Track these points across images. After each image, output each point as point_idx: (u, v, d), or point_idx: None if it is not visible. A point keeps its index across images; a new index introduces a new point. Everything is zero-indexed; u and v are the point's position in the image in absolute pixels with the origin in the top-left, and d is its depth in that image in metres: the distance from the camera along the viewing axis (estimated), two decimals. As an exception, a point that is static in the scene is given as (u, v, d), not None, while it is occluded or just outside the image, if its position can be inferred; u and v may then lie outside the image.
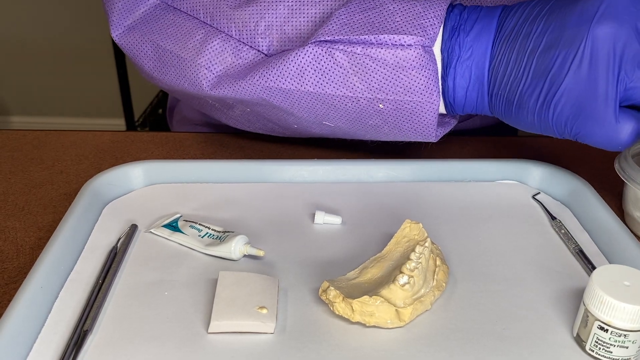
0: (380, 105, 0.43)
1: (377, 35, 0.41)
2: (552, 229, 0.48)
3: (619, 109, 0.38)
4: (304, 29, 0.44)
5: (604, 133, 0.38)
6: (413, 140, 0.47)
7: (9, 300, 0.38)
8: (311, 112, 0.46)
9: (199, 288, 0.41)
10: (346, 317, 0.38)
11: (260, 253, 0.43)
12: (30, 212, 0.51)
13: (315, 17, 0.44)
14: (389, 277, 0.39)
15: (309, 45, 0.43)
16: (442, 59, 0.42)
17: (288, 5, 0.44)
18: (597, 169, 0.59)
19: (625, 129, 0.38)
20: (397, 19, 0.41)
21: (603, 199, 0.49)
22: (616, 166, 0.48)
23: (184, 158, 0.55)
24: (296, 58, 0.43)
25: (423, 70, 0.41)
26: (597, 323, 0.35)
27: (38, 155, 0.59)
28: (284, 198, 0.51)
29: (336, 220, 0.48)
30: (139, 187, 0.52)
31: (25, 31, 2.10)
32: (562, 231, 0.47)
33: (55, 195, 0.53)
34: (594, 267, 0.43)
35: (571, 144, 0.65)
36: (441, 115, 0.46)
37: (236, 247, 0.43)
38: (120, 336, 0.37)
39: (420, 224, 0.43)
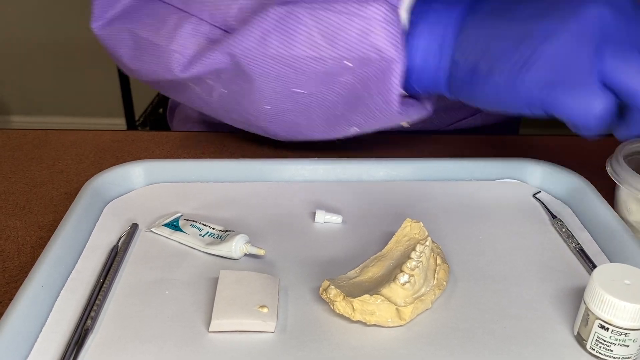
0: (348, 63, 0.42)
1: None
2: (552, 228, 0.48)
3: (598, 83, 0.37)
4: None
5: (581, 103, 0.37)
6: (381, 118, 0.46)
7: (10, 300, 0.38)
8: (279, 79, 0.45)
9: (199, 287, 0.41)
10: (347, 316, 0.38)
11: (261, 252, 0.43)
12: (31, 212, 0.51)
13: None
14: (390, 276, 0.40)
15: (272, 7, 0.42)
16: (409, 20, 0.41)
17: None
18: (598, 167, 0.59)
19: (602, 102, 0.37)
20: None
21: (603, 197, 0.49)
22: (608, 169, 0.48)
23: (184, 157, 0.55)
24: (260, 22, 0.43)
25: (388, 26, 0.40)
26: (597, 322, 0.35)
27: (39, 154, 0.59)
28: (284, 197, 0.51)
29: (337, 219, 0.48)
30: (140, 187, 0.52)
31: (25, 31, 2.10)
32: (563, 230, 0.47)
33: (56, 195, 0.53)
34: (594, 266, 0.43)
35: (571, 142, 0.65)
36: (409, 96, 0.45)
37: (237, 246, 0.43)
38: (121, 335, 0.37)
39: (421, 223, 0.43)
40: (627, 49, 0.37)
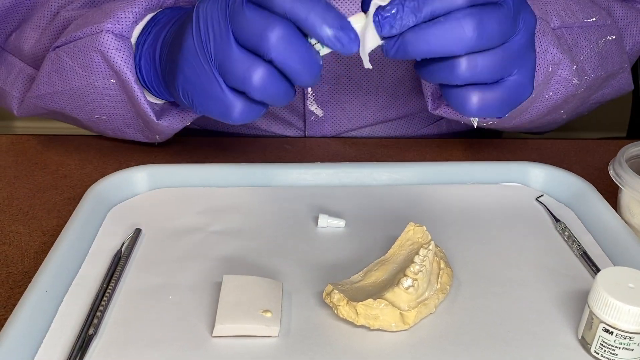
0: (112, 80, 0.51)
1: (89, 27, 0.50)
2: (556, 231, 0.48)
3: (228, 89, 0.40)
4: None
5: (218, 108, 0.41)
6: (155, 128, 0.54)
7: (14, 305, 0.38)
8: (78, 109, 0.56)
9: (203, 292, 0.41)
10: (350, 320, 0.38)
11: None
12: (34, 217, 0.51)
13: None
14: (393, 280, 0.40)
15: (49, 53, 0.53)
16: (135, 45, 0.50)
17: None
18: (600, 170, 0.59)
19: (236, 105, 0.40)
20: (100, 14, 0.51)
21: (606, 200, 0.49)
22: (611, 172, 0.48)
23: (187, 162, 0.55)
24: (44, 66, 0.53)
25: (118, 52, 0.49)
26: (602, 325, 0.35)
27: (42, 159, 0.60)
28: (287, 201, 0.51)
29: (340, 223, 0.48)
30: (143, 192, 0.52)
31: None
32: (566, 233, 0.47)
33: (60, 200, 0.53)
34: (598, 269, 0.43)
35: (574, 145, 0.65)
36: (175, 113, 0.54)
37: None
38: (125, 340, 0.37)
39: (424, 227, 0.43)
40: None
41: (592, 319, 0.36)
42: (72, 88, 0.53)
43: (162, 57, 0.47)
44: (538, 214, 0.51)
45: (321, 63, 0.39)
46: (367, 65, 0.39)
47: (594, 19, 0.57)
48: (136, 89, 0.50)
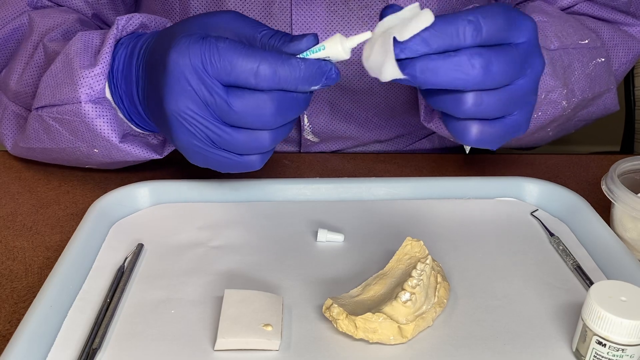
0: (96, 150, 0.52)
1: (65, 95, 0.50)
2: (550, 245, 0.49)
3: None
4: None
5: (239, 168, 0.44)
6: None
7: (19, 320, 0.39)
8: (69, 161, 0.57)
9: (204, 306, 0.42)
10: (350, 333, 0.38)
11: (367, 35, 0.40)
12: (38, 232, 0.52)
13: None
14: (391, 294, 0.40)
15: (32, 112, 0.53)
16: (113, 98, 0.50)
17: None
18: (594, 185, 0.60)
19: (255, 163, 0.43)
20: (71, 79, 0.49)
21: (600, 214, 0.50)
22: (603, 187, 0.49)
23: (188, 178, 0.56)
24: (31, 123, 0.54)
25: (101, 119, 0.49)
26: (595, 338, 0.36)
27: (45, 175, 0.60)
28: (287, 216, 0.52)
29: (338, 238, 0.49)
30: (145, 207, 0.53)
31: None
32: (560, 247, 0.48)
33: (63, 215, 0.54)
34: (591, 283, 0.44)
35: (568, 160, 0.66)
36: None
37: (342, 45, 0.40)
38: (129, 354, 0.38)
39: (421, 242, 0.44)
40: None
41: (586, 331, 0.36)
42: (61, 147, 0.53)
43: (146, 106, 0.47)
44: (533, 228, 0.51)
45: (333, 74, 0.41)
46: (392, 69, 0.39)
47: (586, 41, 0.59)
48: (124, 147, 0.51)
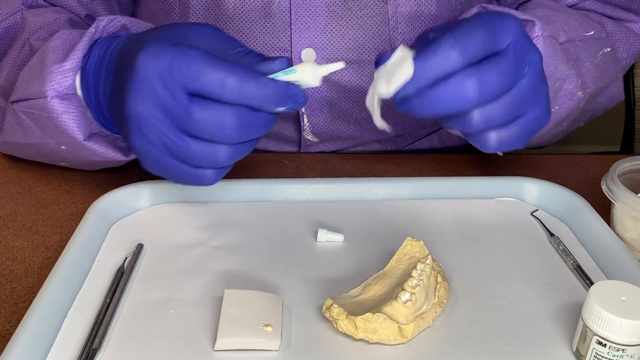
0: (63, 147, 0.52)
1: (35, 89, 0.49)
2: (550, 245, 0.49)
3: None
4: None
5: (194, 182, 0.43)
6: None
7: (19, 320, 0.39)
8: (43, 157, 0.57)
9: (204, 306, 0.42)
10: (350, 334, 0.38)
11: (340, 65, 0.41)
12: (37, 232, 0.52)
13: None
14: (391, 294, 0.40)
15: (8, 105, 0.53)
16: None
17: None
18: (594, 185, 0.60)
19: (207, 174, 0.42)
20: (40, 75, 0.49)
21: (600, 214, 0.50)
22: (603, 187, 0.49)
23: (188, 178, 0.56)
24: (6, 117, 0.54)
25: (67, 115, 0.49)
26: (595, 338, 0.36)
27: (45, 175, 0.60)
28: (287, 216, 0.52)
29: (338, 238, 0.49)
30: (145, 207, 0.53)
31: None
32: (560, 247, 0.48)
33: (62, 215, 0.54)
34: (591, 283, 0.44)
35: (568, 160, 0.66)
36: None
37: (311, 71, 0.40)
38: (128, 354, 0.38)
39: (421, 242, 0.44)
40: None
41: (586, 331, 0.36)
42: (32, 143, 0.54)
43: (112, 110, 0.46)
44: (533, 228, 0.51)
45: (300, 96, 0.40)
46: (379, 123, 0.41)
47: (592, 32, 0.59)
48: (89, 145, 0.50)
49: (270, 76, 0.40)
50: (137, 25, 0.52)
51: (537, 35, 0.51)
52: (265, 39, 0.62)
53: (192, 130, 0.39)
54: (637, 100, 0.96)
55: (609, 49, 0.60)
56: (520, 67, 0.40)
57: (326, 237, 0.49)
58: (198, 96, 0.39)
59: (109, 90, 0.45)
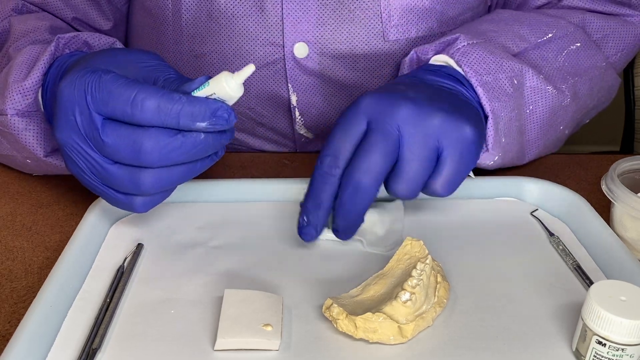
0: (28, 161, 0.54)
1: None
2: (550, 245, 0.49)
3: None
4: None
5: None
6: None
7: (19, 320, 0.39)
8: (17, 167, 0.58)
9: (204, 306, 0.42)
10: (350, 333, 0.38)
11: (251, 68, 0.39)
12: (37, 232, 0.52)
13: None
14: (391, 294, 0.40)
15: None
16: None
17: None
18: (594, 185, 0.60)
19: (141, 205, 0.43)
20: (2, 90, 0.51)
21: (600, 214, 0.50)
22: (603, 187, 0.49)
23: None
24: None
25: (28, 132, 0.50)
26: (595, 338, 0.36)
27: (45, 175, 0.60)
28: (287, 216, 0.52)
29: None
30: (145, 207, 0.53)
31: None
32: (560, 247, 0.48)
33: (62, 215, 0.54)
34: (591, 283, 0.44)
35: (567, 160, 0.66)
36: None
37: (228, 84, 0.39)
38: (128, 354, 0.38)
39: (421, 241, 0.44)
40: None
41: (586, 331, 0.37)
42: (3, 155, 0.55)
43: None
44: (533, 228, 0.51)
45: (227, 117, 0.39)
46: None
47: (549, 35, 0.58)
48: (50, 161, 0.52)
49: (192, 94, 0.39)
50: (99, 40, 0.53)
51: (462, 46, 0.52)
52: (257, 34, 0.62)
53: (108, 154, 0.40)
54: (637, 100, 0.96)
55: (578, 44, 0.59)
56: (386, 132, 0.42)
57: (326, 236, 0.49)
58: (115, 120, 0.39)
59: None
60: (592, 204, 0.51)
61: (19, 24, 0.58)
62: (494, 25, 0.58)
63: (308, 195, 0.45)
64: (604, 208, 0.52)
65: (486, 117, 0.51)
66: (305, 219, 0.45)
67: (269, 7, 0.61)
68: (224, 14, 0.61)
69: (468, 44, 0.53)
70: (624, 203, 0.47)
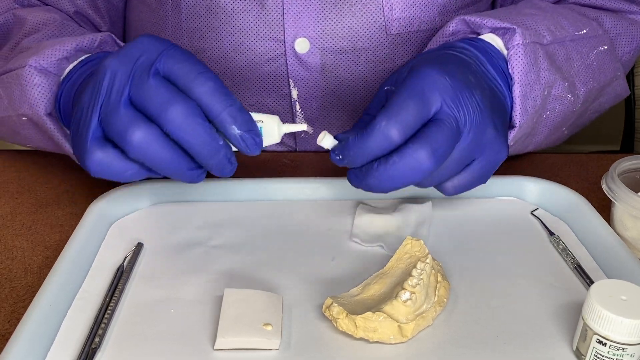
0: (24, 118, 0.53)
1: (19, 61, 0.52)
2: (550, 245, 0.49)
3: (96, 140, 0.40)
4: None
5: (80, 152, 0.40)
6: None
7: (18, 319, 0.39)
8: (11, 136, 0.58)
9: (204, 305, 0.42)
10: (350, 333, 0.38)
11: (303, 127, 0.44)
12: (37, 232, 0.52)
13: None
14: (391, 294, 0.40)
15: None
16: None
17: None
18: (594, 184, 0.60)
19: (93, 158, 0.40)
20: (33, 50, 0.52)
21: (600, 213, 0.50)
22: (603, 186, 0.49)
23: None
24: None
25: (36, 88, 0.50)
26: (595, 337, 0.36)
27: (44, 175, 0.60)
28: (286, 216, 0.52)
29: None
30: (145, 207, 0.53)
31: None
32: (561, 246, 0.48)
33: (62, 215, 0.54)
34: (592, 282, 0.44)
35: (568, 159, 0.66)
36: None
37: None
38: (128, 354, 0.38)
39: (421, 241, 0.44)
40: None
41: (586, 330, 0.36)
42: (1, 118, 0.55)
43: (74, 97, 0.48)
44: (533, 227, 0.51)
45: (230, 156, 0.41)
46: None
47: (584, 31, 0.58)
48: (47, 121, 0.51)
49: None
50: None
51: (517, 44, 0.51)
52: (257, 30, 0.62)
53: (137, 98, 0.39)
54: (637, 100, 0.96)
55: (605, 47, 0.59)
56: (458, 124, 0.41)
57: (332, 142, 0.44)
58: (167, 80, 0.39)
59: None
60: (592, 204, 0.51)
61: (29, 16, 0.59)
62: (537, 10, 0.58)
63: (351, 143, 0.41)
64: (604, 207, 0.52)
65: (512, 126, 0.51)
66: (340, 156, 0.42)
67: (269, 2, 0.61)
68: (224, 9, 0.61)
69: (522, 42, 0.51)
70: (625, 202, 0.47)
